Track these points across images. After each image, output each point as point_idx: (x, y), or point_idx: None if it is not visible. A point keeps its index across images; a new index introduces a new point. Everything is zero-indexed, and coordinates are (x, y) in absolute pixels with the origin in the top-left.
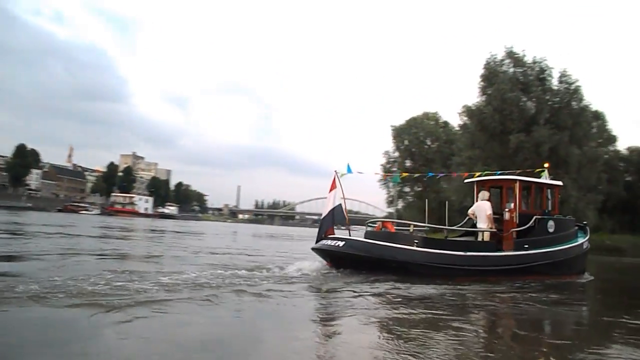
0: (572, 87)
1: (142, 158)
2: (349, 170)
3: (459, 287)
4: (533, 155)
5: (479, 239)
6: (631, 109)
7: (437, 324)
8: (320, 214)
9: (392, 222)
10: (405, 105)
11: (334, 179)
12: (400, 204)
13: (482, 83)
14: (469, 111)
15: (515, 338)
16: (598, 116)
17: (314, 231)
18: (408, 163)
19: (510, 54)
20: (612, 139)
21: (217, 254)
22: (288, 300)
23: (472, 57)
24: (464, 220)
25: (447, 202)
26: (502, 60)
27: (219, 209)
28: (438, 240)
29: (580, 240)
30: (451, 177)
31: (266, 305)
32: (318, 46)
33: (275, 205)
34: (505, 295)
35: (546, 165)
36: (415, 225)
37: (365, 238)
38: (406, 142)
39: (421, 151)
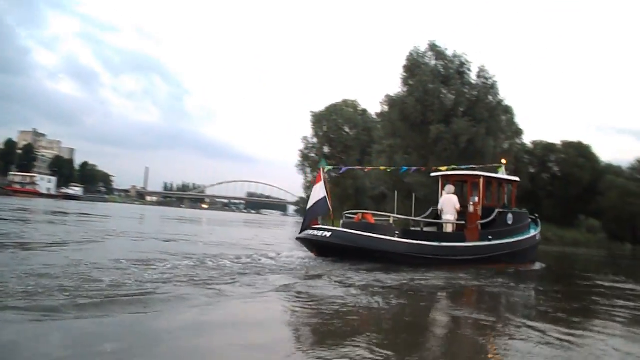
0: (489, 82)
1: (43, 135)
2: (324, 163)
3: (432, 274)
4: (452, 145)
5: (446, 230)
6: (536, 104)
7: (406, 308)
8: (231, 198)
9: (372, 213)
10: (325, 92)
11: (319, 173)
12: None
13: (404, 74)
14: (390, 101)
15: (476, 320)
16: (507, 110)
17: (225, 215)
18: (327, 149)
19: (433, 47)
20: (519, 132)
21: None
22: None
23: (390, 47)
24: (428, 212)
25: (414, 195)
26: (425, 52)
27: (126, 191)
28: (416, 232)
29: (534, 232)
30: (370, 166)
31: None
32: (236, 27)
33: (185, 188)
34: (473, 282)
35: (503, 161)
36: (391, 217)
37: (343, 228)
38: (325, 129)
39: (340, 138)
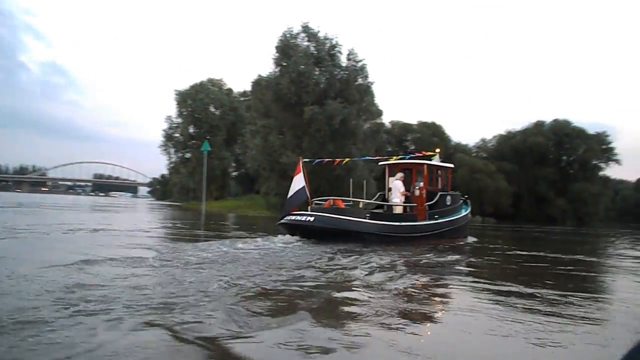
0: (359, 64)
1: None
2: (207, 146)
3: (396, 249)
4: (325, 126)
5: (395, 211)
6: (392, 85)
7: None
8: (76, 180)
9: (342, 199)
10: (189, 70)
11: (299, 164)
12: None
13: (276, 54)
14: (262, 81)
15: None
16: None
17: (68, 199)
18: (192, 129)
19: (306, 29)
20: (379, 113)
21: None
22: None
23: (256, 27)
24: (376, 196)
25: (365, 182)
26: (298, 34)
27: None
28: (381, 214)
29: (465, 211)
30: (244, 145)
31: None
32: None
33: (23, 171)
34: (425, 252)
35: (437, 150)
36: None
37: (321, 213)
38: (190, 108)
39: (206, 117)
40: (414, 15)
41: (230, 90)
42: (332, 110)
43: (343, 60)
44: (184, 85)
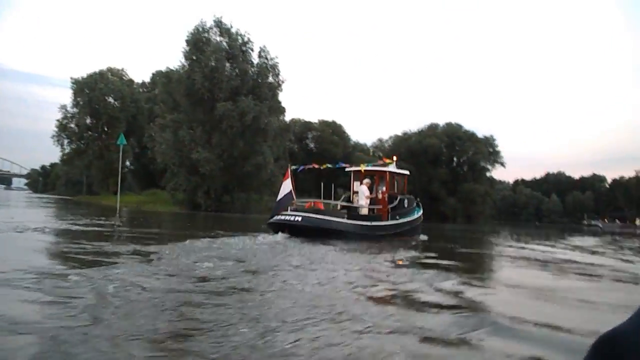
0: (270, 62)
1: None
2: (122, 140)
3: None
4: (237, 123)
5: (361, 212)
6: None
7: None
8: None
9: (321, 201)
10: (86, 58)
11: (288, 171)
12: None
13: (187, 48)
14: (173, 75)
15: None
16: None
17: None
18: (89, 120)
19: (219, 24)
20: (282, 110)
21: None
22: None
23: (159, 17)
24: (342, 198)
25: (333, 185)
26: (210, 28)
27: None
28: (356, 215)
29: (419, 212)
30: (150, 138)
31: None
32: None
33: None
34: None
35: (394, 158)
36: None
37: (307, 214)
38: (87, 98)
39: (105, 109)
40: (315, 12)
41: (131, 81)
42: (244, 107)
43: (254, 58)
44: (81, 73)
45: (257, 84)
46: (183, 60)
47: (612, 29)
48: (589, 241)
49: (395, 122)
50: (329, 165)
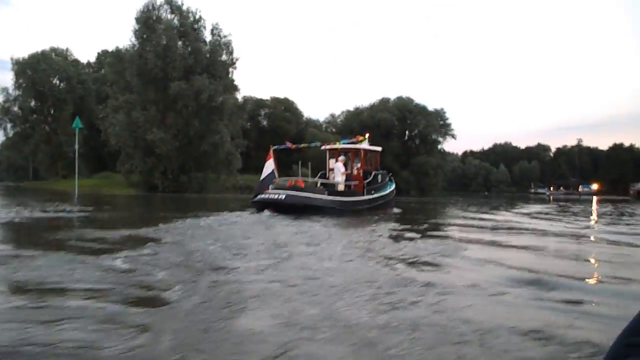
0: (223, 40)
1: None
2: (78, 123)
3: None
4: (192, 102)
5: (338, 188)
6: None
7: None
8: None
9: (302, 179)
10: (28, 38)
11: (270, 152)
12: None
13: (138, 26)
14: (124, 54)
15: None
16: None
17: None
18: (33, 103)
19: (169, 1)
20: (235, 88)
21: None
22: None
23: None
24: (318, 175)
25: (309, 163)
26: (160, 5)
27: None
28: (335, 191)
29: (393, 186)
30: (103, 120)
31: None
32: None
33: None
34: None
35: (367, 135)
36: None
37: (288, 191)
38: (31, 80)
39: (50, 90)
40: None
41: (76, 61)
42: (199, 86)
43: (207, 36)
44: (21, 53)
45: (211, 62)
46: (133, 39)
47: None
48: (536, 208)
49: (347, 97)
50: (309, 145)
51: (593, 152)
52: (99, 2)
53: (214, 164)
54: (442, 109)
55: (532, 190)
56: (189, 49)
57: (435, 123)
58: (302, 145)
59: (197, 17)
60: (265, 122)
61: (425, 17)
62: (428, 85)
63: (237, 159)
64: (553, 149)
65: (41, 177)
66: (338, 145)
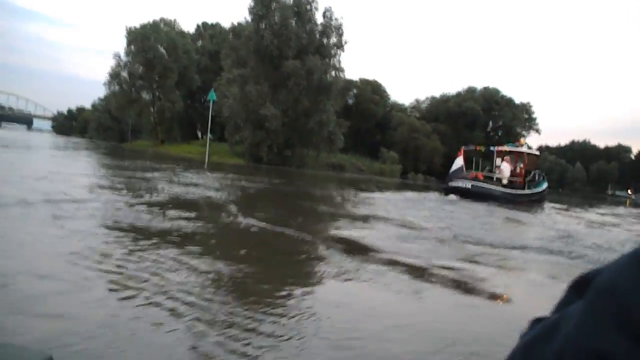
0: (334, 23)
1: None
2: (212, 97)
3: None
4: (304, 81)
5: (503, 183)
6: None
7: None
8: None
9: (481, 173)
10: (140, 6)
11: (461, 150)
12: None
13: (252, 4)
14: (239, 29)
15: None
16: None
17: None
18: (140, 69)
19: None
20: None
21: None
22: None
23: None
24: (485, 170)
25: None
26: None
27: None
28: (507, 185)
29: (546, 184)
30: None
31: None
32: None
33: None
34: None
35: (525, 140)
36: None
37: (472, 181)
38: (142, 48)
39: (158, 59)
40: None
41: (183, 32)
42: (312, 66)
43: (318, 17)
44: (131, 22)
45: (322, 43)
46: (248, 16)
47: None
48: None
49: (431, 84)
50: (488, 147)
51: None
52: None
53: (317, 141)
54: (528, 103)
55: (610, 192)
56: (304, 29)
57: (521, 116)
58: (479, 147)
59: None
60: (351, 102)
61: (510, 12)
62: (511, 76)
63: (340, 138)
64: (635, 151)
65: (142, 138)
66: (506, 148)
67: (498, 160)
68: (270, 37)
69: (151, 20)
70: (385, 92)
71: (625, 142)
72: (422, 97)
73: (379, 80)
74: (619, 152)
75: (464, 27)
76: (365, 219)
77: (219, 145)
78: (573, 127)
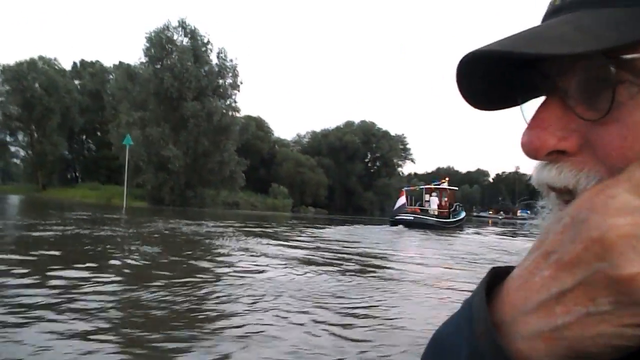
0: (229, 64)
1: None
2: (129, 141)
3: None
4: (204, 122)
5: (434, 214)
6: None
7: None
8: None
9: (419, 208)
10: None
11: (403, 191)
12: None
13: (148, 44)
14: (136, 71)
15: None
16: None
17: None
18: (15, 110)
19: (183, 24)
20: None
21: None
22: None
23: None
24: (416, 204)
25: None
26: (175, 28)
27: None
28: (436, 215)
29: (464, 214)
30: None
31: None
32: None
33: None
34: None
35: (447, 179)
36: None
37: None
38: (17, 88)
39: (38, 100)
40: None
41: (64, 70)
42: (211, 108)
43: (213, 58)
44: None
45: (219, 84)
46: (143, 57)
47: None
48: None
49: (311, 118)
50: (418, 187)
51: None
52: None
53: (218, 181)
54: (402, 134)
55: (475, 213)
56: (201, 71)
57: (397, 147)
58: (414, 187)
59: (206, 40)
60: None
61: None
62: (384, 109)
63: (242, 177)
64: (492, 175)
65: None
66: (432, 186)
67: (427, 196)
68: (170, 79)
69: (28, 58)
70: (269, 127)
71: (483, 167)
72: (302, 132)
73: (262, 117)
74: (479, 176)
75: (339, 62)
76: (397, 259)
77: (114, 188)
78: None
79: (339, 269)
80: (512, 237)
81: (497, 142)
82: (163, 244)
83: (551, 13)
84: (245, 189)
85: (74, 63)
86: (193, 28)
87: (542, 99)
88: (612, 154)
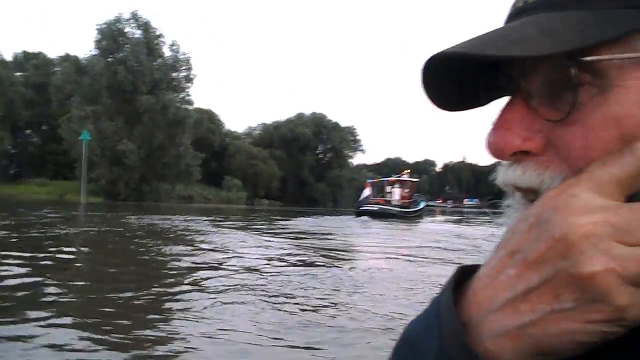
0: (182, 57)
1: None
2: (86, 137)
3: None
4: (160, 116)
5: (396, 204)
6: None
7: None
8: None
9: (383, 199)
10: None
11: (367, 183)
12: None
13: (100, 39)
14: (85, 65)
15: None
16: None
17: None
18: None
19: (136, 17)
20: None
21: None
22: None
23: None
24: (379, 195)
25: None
26: (128, 21)
27: None
28: (397, 206)
29: (424, 204)
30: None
31: None
32: None
33: None
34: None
35: (408, 171)
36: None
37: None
38: None
39: None
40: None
41: (5, 62)
42: (166, 101)
43: (167, 52)
44: None
45: (173, 78)
46: (94, 50)
47: None
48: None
49: (262, 110)
50: (381, 180)
51: (475, 169)
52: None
53: (174, 175)
54: (352, 126)
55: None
56: (154, 64)
57: (348, 139)
58: (377, 180)
59: (159, 33)
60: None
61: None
62: (335, 101)
63: (198, 170)
64: (440, 165)
65: None
66: (394, 178)
67: (389, 188)
68: (124, 73)
69: None
70: (220, 120)
71: (431, 158)
72: (254, 124)
73: (213, 110)
74: (427, 167)
75: (289, 53)
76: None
77: (64, 184)
78: (388, 144)
79: (307, 261)
80: (466, 225)
81: (444, 132)
82: (179, 241)
83: (514, 15)
84: (199, 182)
85: (15, 55)
86: (146, 21)
87: (507, 99)
88: (575, 154)
